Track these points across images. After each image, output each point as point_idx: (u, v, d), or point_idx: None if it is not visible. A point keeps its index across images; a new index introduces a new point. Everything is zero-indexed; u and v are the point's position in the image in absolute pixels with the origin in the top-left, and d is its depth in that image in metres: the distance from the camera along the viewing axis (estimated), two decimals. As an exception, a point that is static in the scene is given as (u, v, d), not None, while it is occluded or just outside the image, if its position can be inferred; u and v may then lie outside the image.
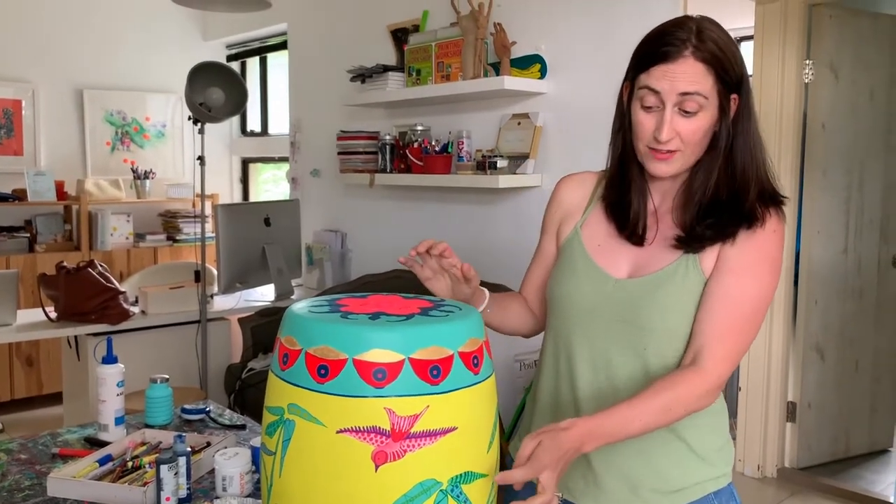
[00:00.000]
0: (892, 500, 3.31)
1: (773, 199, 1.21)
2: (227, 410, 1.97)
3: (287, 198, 4.69)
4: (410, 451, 0.91)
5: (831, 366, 3.64)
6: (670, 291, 1.17)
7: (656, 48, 1.15)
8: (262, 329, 3.54)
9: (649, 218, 1.24)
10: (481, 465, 0.98)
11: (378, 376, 0.90)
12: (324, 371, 0.91)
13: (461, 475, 0.94)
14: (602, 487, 1.22)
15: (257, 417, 2.06)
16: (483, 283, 1.38)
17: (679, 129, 1.14)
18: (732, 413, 4.09)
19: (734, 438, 3.78)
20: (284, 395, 0.95)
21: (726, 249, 1.17)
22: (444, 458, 0.93)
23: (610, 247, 1.25)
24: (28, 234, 4.57)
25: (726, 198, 1.18)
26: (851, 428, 3.74)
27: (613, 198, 1.27)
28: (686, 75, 1.12)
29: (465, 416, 0.95)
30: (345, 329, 0.92)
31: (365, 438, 0.90)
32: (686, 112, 1.13)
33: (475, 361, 0.97)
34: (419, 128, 3.46)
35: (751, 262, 1.17)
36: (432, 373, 0.92)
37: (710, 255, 1.18)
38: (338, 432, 0.90)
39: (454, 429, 0.93)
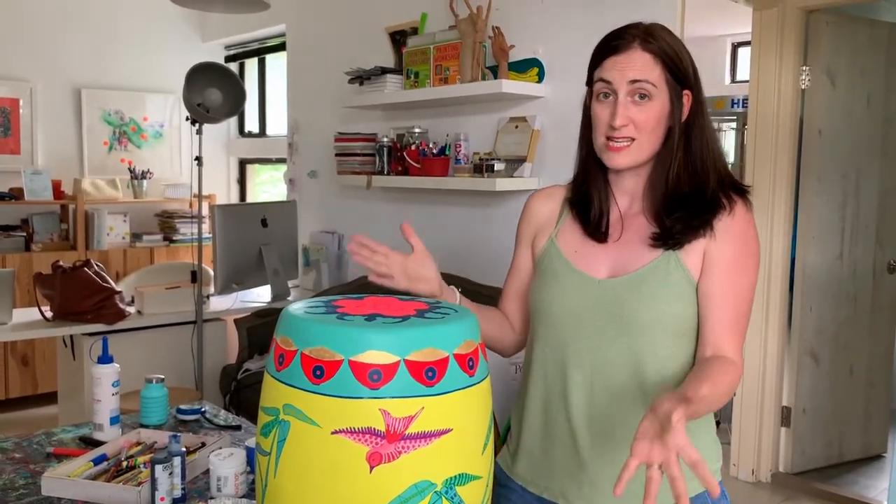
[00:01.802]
0: (885, 506, 3.32)
1: (735, 188, 1.26)
2: (223, 411, 1.97)
3: (284, 199, 4.69)
4: (405, 452, 0.91)
5: (826, 371, 3.65)
6: (654, 287, 1.21)
7: (607, 44, 1.24)
8: (258, 330, 3.54)
9: (615, 219, 1.29)
10: (476, 467, 0.98)
11: (373, 377, 0.90)
12: (319, 372, 0.92)
13: (456, 477, 0.95)
14: (597, 488, 1.24)
15: (252, 418, 2.06)
16: (449, 277, 1.38)
17: (632, 117, 1.20)
18: (727, 418, 4.10)
19: (728, 443, 3.78)
20: (280, 395, 0.95)
21: (711, 248, 1.22)
22: (439, 460, 0.93)
23: (587, 251, 1.29)
24: (24, 233, 4.57)
25: (689, 189, 1.24)
26: (846, 433, 3.75)
27: (579, 199, 1.33)
28: (634, 64, 1.20)
29: (460, 417, 0.95)
30: (341, 330, 0.93)
31: (360, 439, 0.90)
32: (638, 99, 1.20)
33: (470, 363, 0.98)
34: (417, 130, 3.46)
35: (737, 257, 1.22)
36: (427, 374, 0.92)
37: (693, 253, 1.22)
38: (333, 433, 0.91)
39: (449, 430, 0.93)
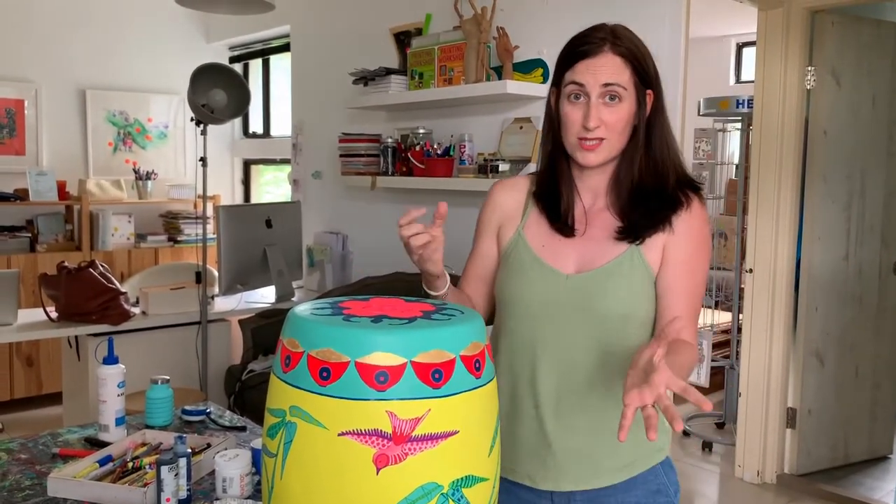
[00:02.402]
0: (891, 508, 3.30)
1: (690, 185, 1.33)
2: (228, 412, 1.98)
3: (288, 199, 4.70)
4: (412, 454, 0.91)
5: (831, 372, 3.64)
6: (620, 282, 1.27)
7: (578, 48, 1.26)
8: (263, 331, 3.54)
9: (579, 214, 1.33)
10: (482, 469, 0.98)
11: (380, 379, 0.90)
12: (326, 373, 0.92)
13: (462, 479, 0.94)
14: (562, 470, 1.30)
15: (257, 419, 2.06)
16: (455, 277, 1.40)
17: (604, 118, 1.25)
18: (732, 419, 4.09)
19: (733, 445, 3.78)
20: (286, 397, 0.95)
21: (670, 243, 1.28)
22: (446, 462, 0.93)
23: (554, 245, 1.33)
24: (29, 234, 4.58)
25: (651, 185, 1.30)
26: (851, 434, 3.74)
27: (545, 193, 1.36)
28: (606, 67, 1.24)
29: (467, 419, 0.95)
30: (347, 332, 0.92)
31: (366, 441, 0.90)
32: (609, 101, 1.24)
33: (477, 365, 0.97)
34: (421, 131, 3.46)
35: (695, 252, 1.30)
36: (434, 376, 0.92)
37: (653, 248, 1.28)
38: (339, 435, 0.90)
39: (455, 432, 0.93)
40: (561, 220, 1.32)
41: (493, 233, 1.42)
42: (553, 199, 1.34)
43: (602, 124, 1.25)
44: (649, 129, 1.29)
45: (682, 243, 1.28)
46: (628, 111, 1.26)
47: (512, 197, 1.41)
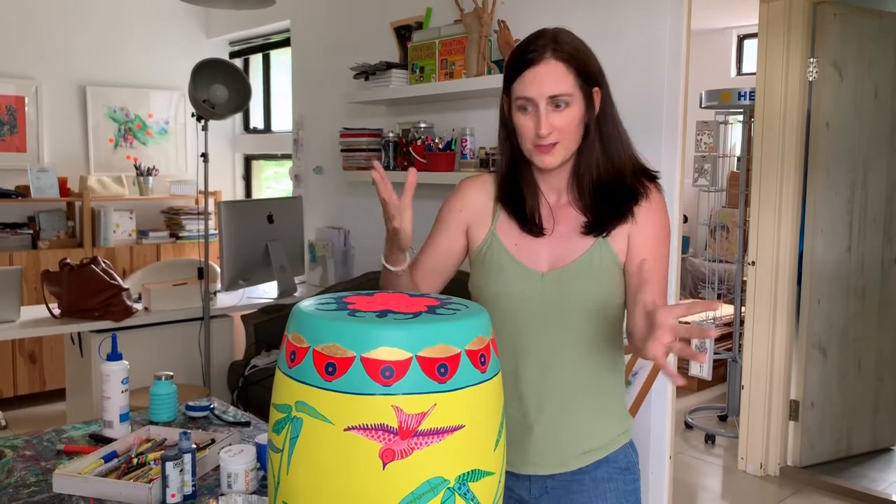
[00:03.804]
0: (894, 499, 3.31)
1: (647, 175, 1.38)
2: (231, 407, 1.98)
3: (289, 195, 4.69)
4: (418, 448, 0.90)
5: (834, 364, 3.64)
6: (592, 275, 1.33)
7: (522, 57, 1.30)
8: (265, 326, 3.54)
9: (546, 213, 1.38)
10: (488, 463, 0.98)
11: (386, 374, 0.90)
12: (331, 369, 0.91)
13: (468, 473, 0.94)
14: (542, 455, 1.38)
15: (261, 414, 2.07)
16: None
17: (554, 124, 1.29)
18: (735, 411, 4.09)
19: (736, 437, 3.78)
20: (292, 392, 0.95)
21: (634, 232, 1.34)
22: (452, 456, 0.93)
23: (526, 244, 1.38)
24: (31, 231, 4.58)
25: (609, 179, 1.35)
26: (854, 426, 3.74)
27: (510, 197, 1.40)
28: (550, 76, 1.28)
29: (473, 413, 0.95)
30: (352, 327, 0.92)
31: (372, 436, 0.90)
32: (556, 108, 1.28)
33: (482, 359, 0.97)
34: (422, 125, 3.45)
35: (658, 239, 1.36)
36: (440, 371, 0.92)
37: (618, 237, 1.34)
38: (345, 430, 0.90)
39: (461, 427, 0.93)
40: (529, 221, 1.37)
41: (458, 230, 1.45)
42: (518, 202, 1.39)
43: (553, 129, 1.29)
44: (600, 125, 1.34)
45: (645, 231, 1.34)
46: (577, 113, 1.30)
47: (482, 196, 1.44)
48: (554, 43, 1.29)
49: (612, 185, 1.34)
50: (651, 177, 1.38)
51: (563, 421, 1.37)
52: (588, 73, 1.31)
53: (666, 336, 1.03)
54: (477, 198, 1.44)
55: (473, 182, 1.46)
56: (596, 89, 1.33)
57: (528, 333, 1.35)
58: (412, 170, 1.31)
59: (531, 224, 1.37)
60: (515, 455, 1.38)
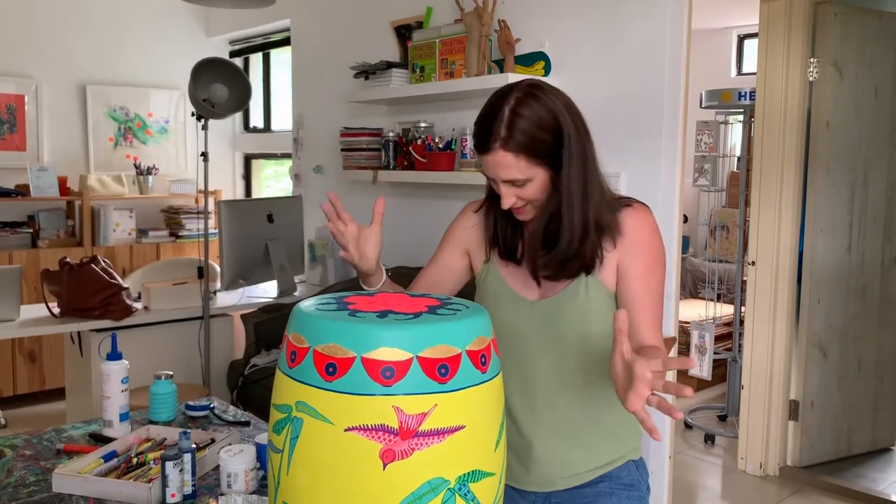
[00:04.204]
0: (894, 499, 3.31)
1: (622, 205, 1.35)
2: (231, 407, 1.98)
3: (289, 194, 4.69)
4: (418, 449, 0.90)
5: (834, 364, 3.64)
6: (577, 305, 1.34)
7: (477, 135, 1.29)
8: (265, 325, 3.54)
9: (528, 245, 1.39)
10: (489, 464, 0.98)
11: (386, 374, 0.90)
12: (332, 369, 0.91)
13: (469, 473, 0.94)
14: (543, 473, 1.40)
15: (260, 414, 2.07)
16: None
17: (518, 195, 1.29)
18: (734, 411, 4.09)
19: (736, 437, 3.78)
20: (292, 392, 0.95)
21: (623, 259, 1.33)
22: (452, 457, 0.93)
23: (519, 272, 1.40)
24: (31, 230, 4.57)
25: (584, 214, 1.30)
26: (854, 426, 3.74)
27: (489, 227, 1.43)
28: (500, 167, 1.26)
29: (473, 414, 0.95)
30: (353, 327, 0.92)
31: (373, 437, 0.90)
32: (516, 185, 1.28)
33: (483, 360, 0.97)
34: (423, 125, 3.45)
35: (648, 264, 1.34)
36: (440, 371, 0.92)
37: (607, 267, 1.33)
38: (346, 430, 0.90)
39: (462, 427, 0.93)
40: (509, 256, 1.40)
41: (459, 250, 1.49)
42: (497, 231, 1.41)
43: (518, 199, 1.30)
44: (571, 169, 1.28)
45: (635, 257, 1.33)
46: (540, 184, 1.28)
47: (481, 224, 1.46)
48: (507, 129, 1.23)
49: (589, 230, 1.30)
50: (627, 204, 1.35)
51: (561, 443, 1.39)
52: (546, 149, 1.25)
53: (644, 390, 1.00)
54: (476, 226, 1.47)
55: (472, 207, 1.50)
56: (563, 151, 1.27)
57: (523, 359, 1.38)
58: (380, 200, 1.34)
59: (508, 254, 1.40)
60: (519, 472, 1.42)
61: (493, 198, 1.40)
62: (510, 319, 1.39)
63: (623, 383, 1.05)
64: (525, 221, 1.38)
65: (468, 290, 1.49)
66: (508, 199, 1.29)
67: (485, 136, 1.27)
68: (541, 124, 1.25)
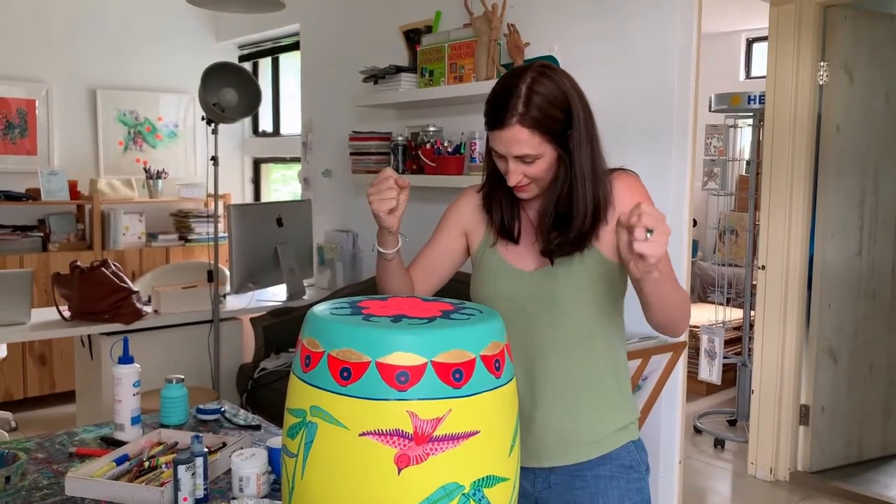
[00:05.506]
0: (906, 505, 3.29)
1: (611, 174, 1.38)
2: (242, 410, 1.98)
3: (298, 198, 4.70)
4: (433, 454, 0.90)
5: (844, 369, 3.62)
6: (577, 273, 1.36)
7: (491, 112, 1.32)
8: (274, 329, 3.55)
9: (526, 225, 1.43)
10: (503, 469, 0.97)
11: (401, 379, 0.90)
12: (346, 373, 0.91)
13: (483, 479, 0.94)
14: (542, 447, 1.41)
15: (270, 417, 2.07)
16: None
17: (525, 172, 1.33)
18: (745, 416, 4.07)
19: (746, 442, 3.76)
20: (306, 397, 0.95)
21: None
22: (467, 462, 0.93)
23: (516, 249, 1.44)
24: (41, 234, 4.59)
25: (584, 193, 1.34)
26: (864, 431, 3.72)
27: (488, 208, 1.46)
28: (514, 143, 1.29)
29: (488, 419, 0.95)
30: (367, 332, 0.92)
31: (387, 441, 0.90)
32: (525, 162, 1.31)
33: (497, 365, 0.97)
34: (431, 129, 3.45)
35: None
36: (454, 376, 0.92)
37: (605, 238, 1.36)
38: (360, 435, 0.90)
39: (476, 432, 0.93)
40: (507, 234, 1.43)
41: (456, 232, 1.52)
42: (496, 212, 1.44)
43: (523, 177, 1.33)
44: (571, 166, 1.32)
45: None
46: (548, 162, 1.32)
47: (478, 206, 1.49)
48: (525, 105, 1.27)
49: (588, 208, 1.34)
50: (613, 172, 1.39)
51: (560, 412, 1.40)
52: (559, 127, 1.30)
53: (640, 233, 1.07)
54: (474, 207, 1.50)
55: (474, 189, 1.53)
56: (570, 132, 1.31)
57: (521, 330, 1.39)
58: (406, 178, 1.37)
59: (507, 233, 1.43)
60: (521, 447, 1.40)
61: (493, 180, 1.44)
62: (507, 291, 1.41)
63: (626, 246, 1.11)
64: (524, 202, 1.42)
65: (464, 288, 1.50)
66: (515, 177, 1.32)
67: (500, 112, 1.29)
68: (554, 102, 1.29)
